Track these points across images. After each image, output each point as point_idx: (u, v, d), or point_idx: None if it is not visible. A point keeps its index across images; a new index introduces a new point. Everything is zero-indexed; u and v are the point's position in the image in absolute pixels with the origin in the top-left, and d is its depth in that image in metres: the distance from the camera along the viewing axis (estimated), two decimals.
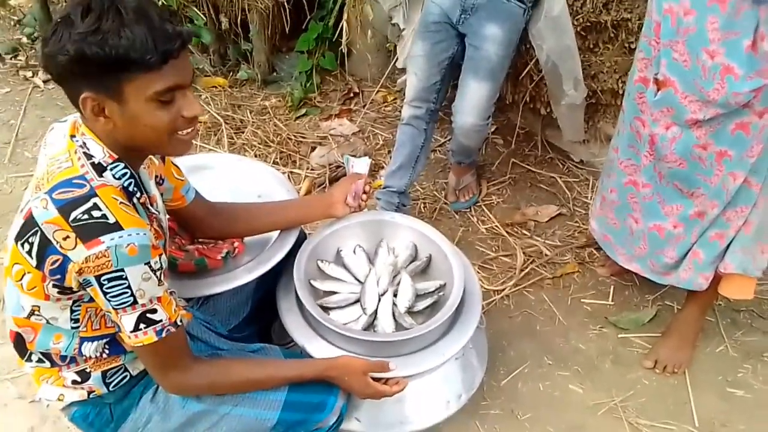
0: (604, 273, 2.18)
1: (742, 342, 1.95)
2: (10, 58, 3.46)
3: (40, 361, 1.14)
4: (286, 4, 2.98)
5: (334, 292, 1.53)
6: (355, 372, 1.27)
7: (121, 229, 0.96)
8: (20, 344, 1.13)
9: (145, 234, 0.98)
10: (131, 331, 1.03)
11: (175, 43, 0.95)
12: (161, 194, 1.25)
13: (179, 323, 1.08)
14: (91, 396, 1.18)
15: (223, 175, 1.69)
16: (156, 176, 1.24)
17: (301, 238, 1.56)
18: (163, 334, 1.05)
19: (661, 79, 1.51)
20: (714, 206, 1.59)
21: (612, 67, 2.20)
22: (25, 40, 3.60)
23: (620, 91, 2.22)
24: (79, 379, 1.16)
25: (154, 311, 1.03)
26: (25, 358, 1.15)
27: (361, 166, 1.56)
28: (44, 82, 3.27)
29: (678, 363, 1.85)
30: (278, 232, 1.53)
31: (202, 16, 3.00)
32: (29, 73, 3.32)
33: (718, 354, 1.92)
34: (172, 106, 1.00)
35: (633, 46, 2.12)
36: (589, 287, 2.14)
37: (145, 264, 0.98)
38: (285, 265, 1.49)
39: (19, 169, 2.61)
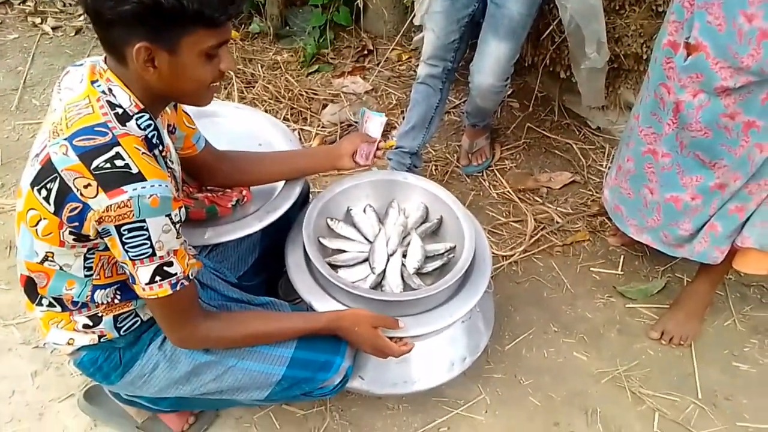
0: (614, 242, 2.16)
1: (750, 317, 1.94)
2: (18, 4, 3.38)
3: (50, 305, 1.14)
4: None
5: (343, 251, 1.52)
6: (365, 323, 1.28)
7: (144, 179, 0.95)
8: (31, 288, 1.12)
9: (167, 186, 0.98)
10: (146, 284, 1.03)
11: (240, 6, 1.01)
12: (173, 143, 1.23)
13: (191, 277, 1.08)
14: (101, 340, 1.18)
15: (224, 123, 1.68)
16: (168, 125, 1.22)
17: (305, 189, 1.56)
18: (178, 287, 1.05)
19: (692, 43, 1.45)
20: (737, 178, 1.55)
21: (637, 30, 2.13)
22: None
23: (644, 56, 2.15)
24: (90, 324, 1.16)
25: (171, 264, 1.03)
26: (35, 302, 1.15)
27: (374, 126, 1.52)
28: (53, 29, 3.21)
29: (685, 335, 1.84)
30: (283, 182, 1.53)
31: None
32: (38, 20, 3.26)
33: (726, 328, 1.91)
34: (214, 60, 1.03)
35: (661, 9, 2.05)
36: (598, 256, 2.12)
37: (166, 216, 0.98)
38: (291, 217, 1.49)
39: (27, 117, 2.58)
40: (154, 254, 0.99)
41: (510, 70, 2.04)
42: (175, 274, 1.04)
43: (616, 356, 1.81)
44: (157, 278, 1.03)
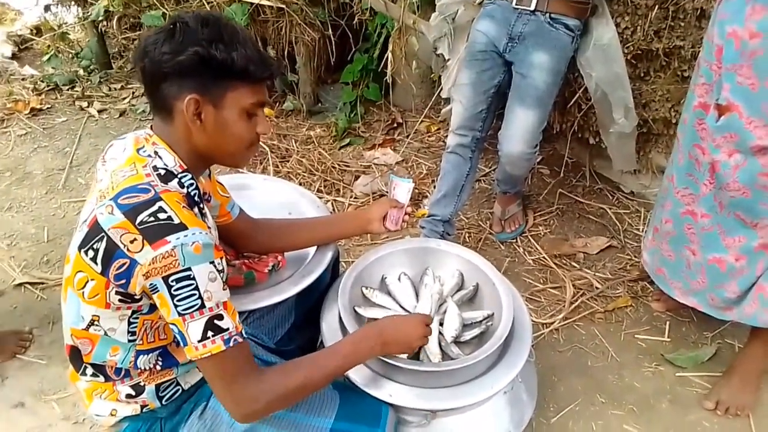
0: (658, 308, 2.09)
1: None
2: (68, 89, 3.62)
3: (94, 375, 1.15)
4: (332, 37, 3.04)
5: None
6: (409, 321, 1.27)
7: (185, 228, 0.98)
8: (76, 357, 1.13)
9: (207, 234, 1.01)
10: (198, 341, 1.01)
11: (275, 68, 1.10)
12: (209, 211, 1.27)
13: (244, 335, 1.07)
14: (143, 410, 1.17)
15: (254, 195, 1.72)
16: (204, 193, 1.26)
17: (336, 253, 1.59)
18: (231, 343, 1.03)
19: (723, 104, 1.46)
20: None
21: (664, 95, 2.15)
22: (81, 72, 3.78)
23: (673, 120, 2.15)
24: (133, 393, 1.16)
25: (221, 317, 1.02)
26: (80, 372, 1.16)
27: (402, 192, 1.54)
28: (99, 112, 3.40)
29: (741, 405, 1.74)
30: (315, 247, 1.56)
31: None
32: (85, 104, 3.47)
33: None
34: (253, 120, 1.10)
35: (686, 74, 2.07)
36: (643, 322, 2.05)
37: (210, 263, 1.00)
38: (324, 281, 1.51)
39: (73, 195, 2.69)
40: (203, 306, 0.99)
41: (538, 137, 2.07)
42: (228, 329, 1.03)
43: (669, 429, 1.71)
44: (210, 334, 1.01)
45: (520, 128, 2.03)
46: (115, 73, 3.82)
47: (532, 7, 1.95)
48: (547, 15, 1.95)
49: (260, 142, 1.16)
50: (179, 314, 0.99)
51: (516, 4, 1.98)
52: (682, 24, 2.00)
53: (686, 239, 1.70)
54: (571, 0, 1.94)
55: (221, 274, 1.02)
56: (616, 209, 2.51)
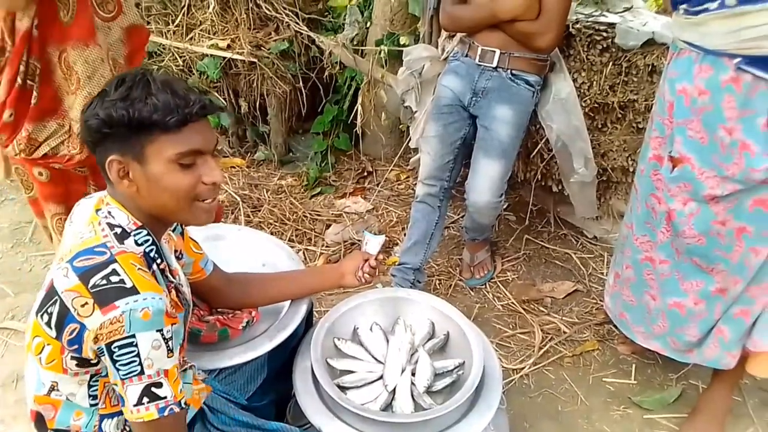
0: (624, 350, 2.13)
1: None
2: None
3: None
4: (303, 89, 3.12)
5: (351, 371, 1.51)
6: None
7: (137, 293, 0.97)
8: (40, 423, 1.11)
9: (161, 299, 0.99)
10: (134, 405, 1.00)
11: (195, 107, 1.03)
12: (182, 268, 1.27)
13: (183, 405, 1.05)
14: None
15: (227, 246, 1.73)
16: (175, 251, 1.26)
17: (310, 306, 1.59)
18: (165, 413, 1.01)
19: (676, 157, 1.53)
20: (736, 282, 1.56)
21: (621, 145, 2.25)
22: None
23: (630, 168, 2.25)
24: None
25: (160, 385, 1.01)
26: None
27: (372, 245, 1.58)
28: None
29: None
30: (289, 301, 1.56)
31: (222, 100, 3.13)
32: None
33: None
34: (193, 170, 1.05)
35: (641, 126, 2.18)
36: (610, 365, 2.09)
37: (157, 331, 0.98)
38: (297, 335, 1.50)
39: (40, 248, 2.65)
40: (142, 372, 0.98)
41: (503, 187, 2.14)
42: (165, 397, 1.01)
43: None
44: (145, 400, 1.00)
45: (485, 178, 2.10)
46: None
47: (494, 64, 2.05)
48: (509, 71, 2.05)
49: (215, 194, 1.11)
50: (119, 378, 0.99)
51: (479, 61, 2.08)
52: (635, 79, 2.13)
53: (646, 285, 1.75)
54: (531, 57, 2.05)
55: (168, 342, 1.00)
56: (580, 254, 2.59)
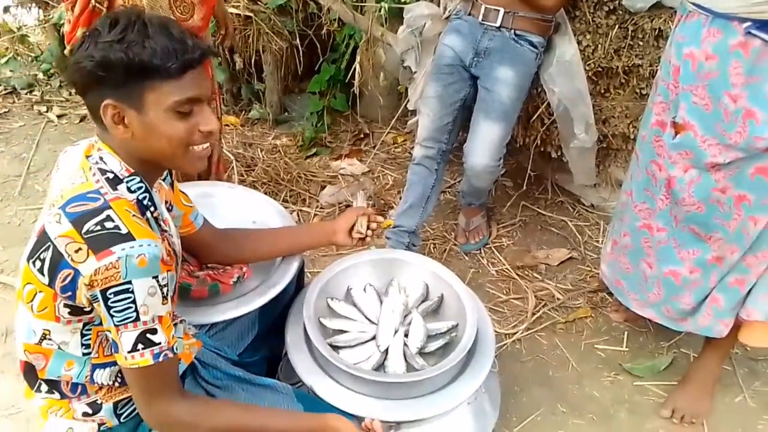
0: (617, 318, 2.14)
1: (760, 392, 1.89)
2: (26, 93, 3.52)
3: (49, 392, 1.11)
4: (299, 46, 3.04)
5: (344, 331, 1.50)
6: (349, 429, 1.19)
7: (133, 239, 0.95)
8: (30, 373, 1.10)
9: (156, 246, 0.98)
10: (129, 351, 1.00)
11: (195, 53, 1.00)
12: (172, 220, 1.24)
13: (176, 350, 1.06)
14: (101, 428, 1.14)
15: (218, 203, 1.70)
16: (166, 202, 1.24)
17: (301, 264, 1.57)
18: (160, 358, 1.02)
19: (680, 123, 1.51)
20: (733, 251, 1.56)
21: (623, 111, 2.21)
22: (41, 76, 3.68)
23: (632, 136, 2.22)
24: (90, 411, 1.12)
25: (155, 332, 1.01)
26: (35, 389, 1.12)
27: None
28: (58, 117, 3.32)
29: (696, 413, 1.79)
30: (280, 257, 1.54)
31: (221, 50, 3.05)
32: (44, 108, 3.38)
33: (737, 404, 1.86)
34: (189, 118, 1.03)
35: (644, 92, 2.14)
36: (602, 332, 2.10)
37: (153, 278, 0.97)
38: (288, 292, 1.49)
39: (29, 202, 2.61)
40: (137, 319, 0.97)
41: (502, 150, 2.10)
42: (159, 343, 1.01)
43: None
44: (140, 346, 1.00)
45: (484, 141, 2.06)
46: None
47: (498, 24, 2.00)
48: (512, 31, 2.00)
49: (209, 141, 1.08)
50: (114, 324, 0.98)
51: (482, 20, 2.02)
52: (641, 43, 2.08)
53: (643, 252, 1.75)
54: (535, 18, 1.99)
55: (163, 289, 1.00)
56: (576, 222, 2.57)
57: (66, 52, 1.92)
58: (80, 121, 3.29)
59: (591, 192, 2.59)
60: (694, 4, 1.44)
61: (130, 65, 0.95)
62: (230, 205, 1.72)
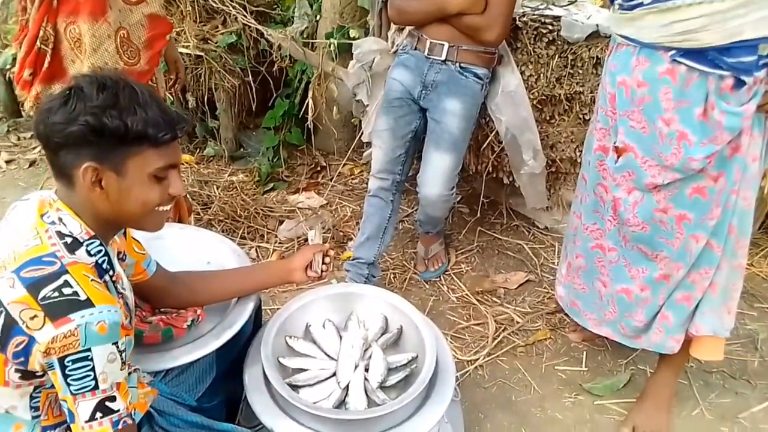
0: (575, 338, 2.17)
1: (716, 404, 1.94)
2: None
3: None
4: (252, 83, 3.06)
5: (304, 369, 1.49)
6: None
7: (92, 305, 0.94)
8: None
9: (116, 311, 0.97)
10: (86, 421, 0.97)
11: (182, 126, 1.06)
12: (124, 270, 1.22)
13: (134, 416, 1.03)
14: None
15: (170, 245, 1.68)
16: (118, 252, 1.22)
17: (258, 303, 1.56)
18: (119, 426, 0.99)
19: (620, 146, 1.57)
20: (678, 268, 1.61)
21: (569, 137, 2.30)
22: None
23: (578, 160, 2.30)
24: None
25: (113, 399, 0.98)
26: None
27: (314, 237, 1.58)
28: (6, 162, 3.23)
29: (656, 429, 1.82)
30: (236, 299, 1.53)
31: (169, 95, 3.04)
32: None
33: (695, 417, 1.90)
34: (163, 182, 1.06)
35: (587, 117, 2.22)
36: (561, 353, 2.13)
37: (113, 344, 0.96)
38: (245, 333, 1.47)
39: None
40: (96, 387, 0.95)
41: (455, 179, 2.15)
42: (118, 410, 0.99)
43: None
44: (98, 415, 0.97)
45: (436, 172, 2.10)
46: (25, 121, 3.64)
47: (443, 57, 2.05)
48: (458, 64, 2.06)
49: (172, 202, 1.13)
50: (71, 393, 0.95)
51: (428, 54, 2.07)
52: (581, 71, 2.17)
53: (597, 271, 1.79)
54: (479, 50, 2.06)
55: (122, 354, 0.98)
56: (532, 244, 2.62)
57: (27, 106, 1.90)
58: (29, 166, 3.22)
59: (544, 215, 2.65)
60: (621, 36, 1.52)
61: (125, 133, 0.98)
62: (183, 247, 1.70)
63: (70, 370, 0.93)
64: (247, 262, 1.66)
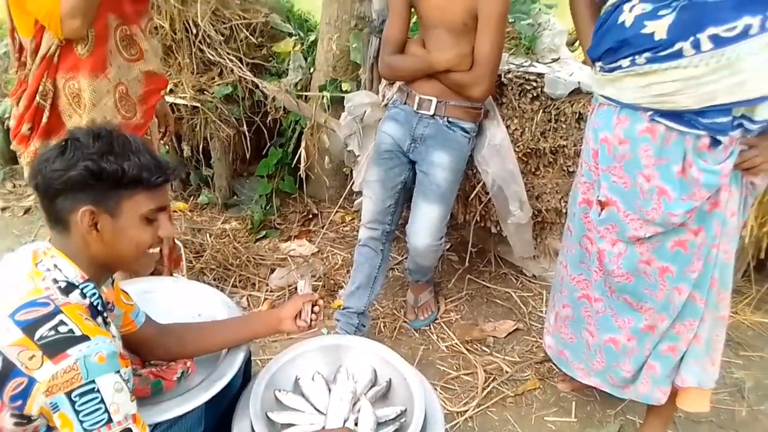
0: (564, 388, 2.18)
1: None
2: None
3: None
4: (247, 132, 3.12)
5: (292, 424, 1.49)
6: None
7: (88, 339, 0.96)
8: None
9: (111, 342, 0.99)
10: None
11: (173, 170, 1.15)
12: (113, 321, 1.25)
13: None
14: None
15: (161, 298, 1.69)
16: (107, 302, 1.24)
17: (248, 354, 1.57)
18: None
19: (603, 200, 1.62)
20: (663, 319, 1.64)
21: (554, 188, 2.35)
22: None
23: (563, 210, 2.35)
24: None
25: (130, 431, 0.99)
26: None
27: (303, 287, 1.61)
28: (1, 209, 3.25)
29: None
30: (226, 350, 1.54)
31: (164, 145, 3.10)
32: None
33: None
34: (154, 224, 1.13)
35: (571, 169, 2.29)
36: (551, 404, 2.13)
37: (116, 372, 0.98)
38: (234, 385, 1.47)
39: None
40: (110, 420, 0.96)
41: (443, 229, 2.19)
42: None
43: None
44: None
45: (425, 222, 2.14)
46: (21, 168, 3.68)
47: (432, 112, 2.12)
48: (445, 119, 2.12)
49: (160, 244, 1.19)
50: (85, 430, 0.95)
51: (417, 109, 2.14)
52: (564, 126, 2.24)
53: (584, 321, 1.82)
54: (466, 106, 2.13)
55: (128, 384, 1.00)
56: (520, 292, 2.65)
57: (24, 161, 1.92)
58: (24, 213, 3.24)
59: (532, 263, 2.69)
60: (603, 96, 1.59)
61: (122, 177, 1.06)
62: (174, 299, 1.71)
63: (79, 405, 0.94)
64: (237, 313, 1.68)
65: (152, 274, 1.99)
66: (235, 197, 3.34)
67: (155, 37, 2.03)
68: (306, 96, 3.04)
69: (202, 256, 2.82)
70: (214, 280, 2.65)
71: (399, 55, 2.15)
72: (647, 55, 1.42)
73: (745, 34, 1.32)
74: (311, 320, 1.54)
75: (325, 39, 2.98)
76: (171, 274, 2.16)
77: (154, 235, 1.14)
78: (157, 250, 1.17)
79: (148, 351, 1.43)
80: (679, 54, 1.38)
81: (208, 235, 3.00)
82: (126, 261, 1.15)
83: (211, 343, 1.51)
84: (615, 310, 1.72)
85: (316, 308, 1.56)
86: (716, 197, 1.50)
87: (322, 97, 2.92)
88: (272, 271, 2.75)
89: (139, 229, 1.11)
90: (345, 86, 2.90)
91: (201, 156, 3.21)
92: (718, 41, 1.33)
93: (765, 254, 2.40)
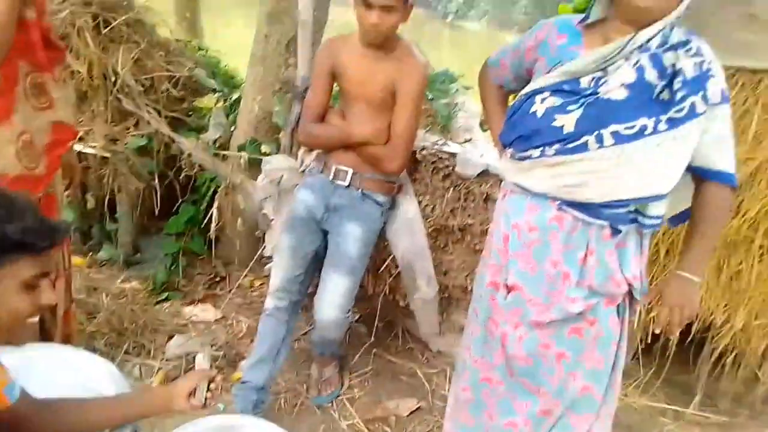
0: None
1: None
2: None
3: None
4: (158, 187, 3.01)
5: None
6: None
7: None
8: None
9: None
10: None
11: (60, 235, 1.09)
12: None
13: None
14: None
15: (40, 366, 1.54)
16: None
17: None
18: None
19: (510, 284, 1.65)
20: (557, 405, 1.65)
21: (461, 265, 2.40)
22: None
23: (469, 287, 2.38)
24: None
25: None
26: None
27: (201, 362, 1.52)
28: None
29: None
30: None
31: (67, 197, 2.93)
32: None
33: None
34: (35, 291, 1.07)
35: (478, 247, 2.34)
36: None
37: None
38: None
39: None
40: None
41: (351, 303, 2.16)
42: None
43: None
44: None
45: (333, 294, 2.11)
46: None
47: (347, 183, 2.14)
48: (360, 191, 2.14)
49: (40, 312, 1.15)
50: None
51: (332, 179, 2.15)
52: (472, 205, 2.32)
53: (484, 404, 1.79)
54: (381, 179, 2.16)
55: None
56: (425, 369, 2.62)
57: None
58: None
59: (438, 338, 2.69)
60: (514, 183, 1.65)
61: (3, 241, 0.99)
62: (57, 370, 1.56)
63: None
64: (126, 388, 1.54)
65: (43, 338, 1.83)
66: (139, 255, 3.18)
67: (70, 84, 1.96)
68: (224, 154, 2.98)
69: (95, 318, 2.62)
70: (105, 345, 2.46)
71: (319, 123, 2.17)
72: (557, 146, 1.50)
73: (641, 133, 1.43)
74: (206, 398, 1.45)
75: (249, 99, 2.97)
76: (66, 339, 1.98)
77: (35, 303, 1.07)
78: (36, 318, 1.09)
79: (24, 430, 1.28)
80: (584, 147, 1.47)
81: (104, 294, 2.80)
82: (1, 331, 1.06)
83: (96, 422, 1.37)
84: (514, 393, 1.73)
85: (213, 385, 1.46)
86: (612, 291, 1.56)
87: (241, 156, 2.87)
88: (170, 337, 2.59)
89: (18, 296, 1.04)
90: (265, 148, 2.88)
91: (106, 209, 3.05)
92: (619, 138, 1.44)
93: (652, 338, 2.51)
